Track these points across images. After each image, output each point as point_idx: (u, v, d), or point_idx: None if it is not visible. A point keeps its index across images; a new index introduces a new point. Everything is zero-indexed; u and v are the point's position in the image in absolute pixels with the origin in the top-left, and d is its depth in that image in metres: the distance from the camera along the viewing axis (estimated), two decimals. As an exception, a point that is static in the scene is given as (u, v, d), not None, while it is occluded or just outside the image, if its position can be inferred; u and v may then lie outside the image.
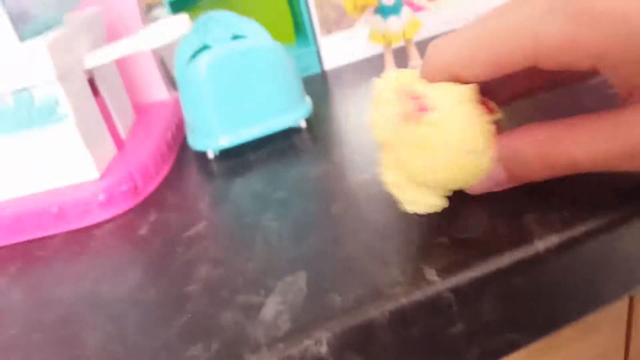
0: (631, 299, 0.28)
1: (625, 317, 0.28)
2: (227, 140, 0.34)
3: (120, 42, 0.32)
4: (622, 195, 0.23)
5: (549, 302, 0.22)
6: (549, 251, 0.21)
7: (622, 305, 0.28)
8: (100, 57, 0.32)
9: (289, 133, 0.37)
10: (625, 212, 0.22)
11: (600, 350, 0.29)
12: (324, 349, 0.20)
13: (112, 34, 0.40)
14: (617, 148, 0.19)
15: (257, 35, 0.35)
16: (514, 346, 0.23)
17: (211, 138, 0.34)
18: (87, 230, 0.31)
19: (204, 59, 0.33)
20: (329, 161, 0.32)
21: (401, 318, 0.21)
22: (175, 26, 0.31)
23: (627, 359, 0.30)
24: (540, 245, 0.21)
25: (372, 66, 0.47)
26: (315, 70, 0.49)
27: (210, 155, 0.35)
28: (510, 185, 0.23)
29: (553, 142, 0.21)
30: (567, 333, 0.27)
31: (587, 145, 0.20)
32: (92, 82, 0.35)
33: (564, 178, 0.21)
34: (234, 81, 0.33)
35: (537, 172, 0.22)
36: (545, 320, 0.23)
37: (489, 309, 0.22)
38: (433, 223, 0.24)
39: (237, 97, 0.33)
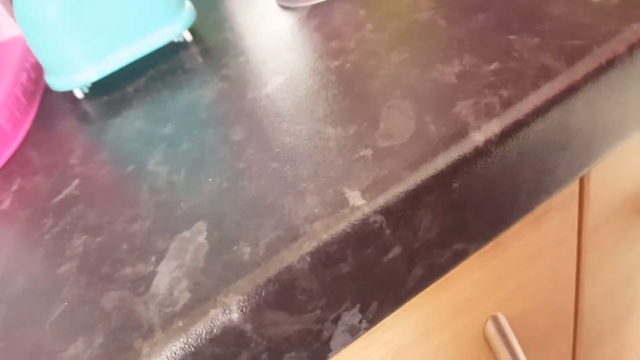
0: (582, 179, 0.26)
1: (576, 198, 0.26)
2: (94, 72, 0.27)
3: None
4: (567, 56, 0.18)
5: (496, 201, 0.19)
6: (489, 142, 0.17)
7: (572, 187, 0.25)
8: None
9: (172, 50, 0.30)
10: (575, 76, 0.18)
11: (553, 237, 0.26)
12: (235, 316, 0.16)
13: None
14: None
15: None
16: (462, 256, 0.20)
17: (73, 72, 0.27)
18: None
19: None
20: (224, 78, 0.26)
21: (325, 258, 0.17)
22: None
23: (580, 241, 0.28)
24: (478, 137, 0.17)
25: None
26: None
27: (78, 94, 0.28)
28: None
29: None
30: (516, 226, 0.25)
31: None
32: None
33: (493, 47, 0.17)
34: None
35: None
36: (495, 221, 0.20)
37: (428, 223, 0.18)
38: (350, 134, 0.20)
39: (94, 11, 0.26)
